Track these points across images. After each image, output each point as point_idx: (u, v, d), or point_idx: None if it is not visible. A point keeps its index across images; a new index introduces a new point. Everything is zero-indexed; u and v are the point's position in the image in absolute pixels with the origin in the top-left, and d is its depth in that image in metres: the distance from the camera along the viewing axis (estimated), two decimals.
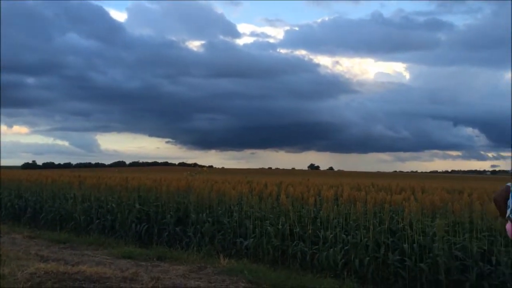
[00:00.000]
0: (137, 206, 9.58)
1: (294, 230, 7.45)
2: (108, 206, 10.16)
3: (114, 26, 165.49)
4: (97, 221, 10.05)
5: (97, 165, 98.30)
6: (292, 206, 8.19)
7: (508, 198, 2.92)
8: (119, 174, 15.13)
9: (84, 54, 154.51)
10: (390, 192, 10.24)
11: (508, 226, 2.91)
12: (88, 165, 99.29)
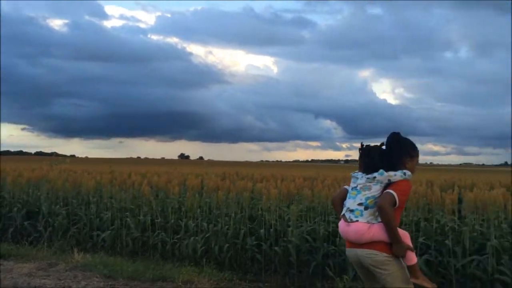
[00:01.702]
0: None
1: (156, 221, 7.30)
2: None
3: None
4: None
5: None
6: (156, 196, 8.03)
7: (345, 199, 3.20)
8: None
9: None
10: (253, 181, 10.64)
11: (340, 223, 3.17)
12: None
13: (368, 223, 2.97)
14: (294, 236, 5.98)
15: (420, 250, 5.61)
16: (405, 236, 3.04)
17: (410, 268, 3.03)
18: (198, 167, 24.38)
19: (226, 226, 6.63)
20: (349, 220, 3.03)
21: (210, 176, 10.52)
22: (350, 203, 3.09)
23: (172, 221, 7.12)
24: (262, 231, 6.37)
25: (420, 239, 5.63)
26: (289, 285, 5.82)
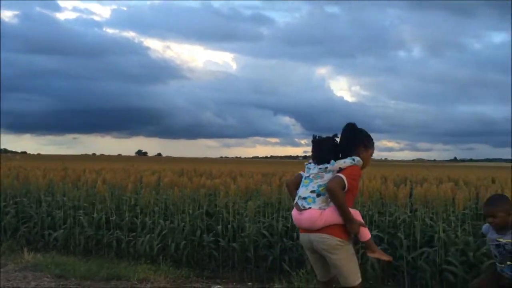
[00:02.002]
0: None
1: (111, 218, 7.14)
2: None
3: None
4: None
5: None
6: (110, 194, 7.85)
7: (299, 184, 3.24)
8: None
9: None
10: (211, 177, 10.59)
11: (293, 212, 3.21)
12: None
13: (320, 209, 3.03)
14: (251, 232, 5.99)
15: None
16: (356, 214, 3.11)
17: (366, 244, 3.14)
18: (155, 164, 24.01)
19: (183, 223, 6.57)
20: (301, 208, 3.08)
21: (167, 173, 10.39)
22: (302, 191, 3.14)
23: (128, 218, 6.98)
24: (219, 227, 6.36)
25: (374, 232, 5.78)
26: (247, 281, 5.84)
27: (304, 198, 3.10)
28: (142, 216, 6.93)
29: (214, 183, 7.72)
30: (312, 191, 3.08)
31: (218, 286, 5.33)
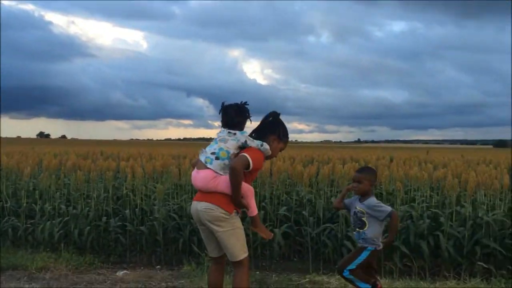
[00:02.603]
0: None
1: (5, 205, 6.61)
2: None
3: None
4: None
5: None
6: (6, 179, 7.26)
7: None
8: None
9: None
10: (118, 160, 10.20)
11: (193, 171, 3.19)
12: None
13: (216, 172, 3.03)
14: (161, 215, 5.88)
15: (280, 222, 5.96)
16: (249, 190, 3.14)
17: (252, 219, 3.19)
18: (59, 147, 22.59)
19: (87, 208, 6.26)
20: (203, 163, 3.07)
21: (70, 156, 9.82)
22: (206, 151, 3.14)
23: (25, 204, 6.51)
24: (127, 211, 6.15)
25: (281, 211, 5.96)
26: (155, 264, 5.74)
27: (205, 156, 3.10)
28: (42, 202, 6.50)
29: (121, 166, 7.44)
30: (213, 153, 3.08)
31: (125, 271, 5.17)
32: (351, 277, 3.50)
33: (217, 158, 3.05)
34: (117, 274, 5.08)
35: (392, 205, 5.79)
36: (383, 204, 3.50)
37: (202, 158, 3.11)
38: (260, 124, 3.30)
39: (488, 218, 5.26)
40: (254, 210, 3.16)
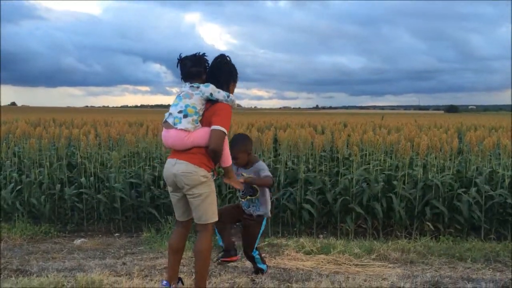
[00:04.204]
0: None
1: None
2: None
3: None
4: None
5: None
6: None
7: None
8: None
9: None
10: (72, 127, 9.90)
11: (163, 132, 3.08)
12: None
13: (187, 130, 2.95)
14: (118, 182, 5.79)
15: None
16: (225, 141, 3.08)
17: (225, 169, 3.14)
18: (8, 114, 21.62)
19: (41, 176, 6.08)
20: (172, 125, 2.98)
21: (20, 123, 9.42)
22: (172, 109, 3.04)
23: None
24: (82, 179, 6.02)
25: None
26: (114, 232, 5.70)
27: (173, 117, 3.00)
28: None
29: (74, 133, 7.22)
30: (180, 111, 2.98)
31: (82, 239, 5.10)
32: (257, 255, 3.54)
33: (185, 116, 2.96)
34: (74, 242, 5.01)
35: (347, 169, 5.97)
36: (267, 168, 3.43)
37: (170, 120, 2.99)
38: (214, 71, 3.14)
39: (437, 181, 5.51)
40: (228, 161, 3.11)
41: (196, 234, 3.13)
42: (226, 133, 2.96)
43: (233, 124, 8.48)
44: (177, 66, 3.13)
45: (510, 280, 3.59)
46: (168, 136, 3.01)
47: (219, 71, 3.14)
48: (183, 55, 3.12)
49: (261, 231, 3.52)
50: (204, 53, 3.14)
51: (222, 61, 3.17)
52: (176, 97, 3.10)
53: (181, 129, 2.95)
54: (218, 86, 3.08)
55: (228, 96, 3.06)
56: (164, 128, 3.08)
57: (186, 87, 3.06)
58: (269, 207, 3.52)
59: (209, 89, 3.02)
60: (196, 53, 3.12)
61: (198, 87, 3.03)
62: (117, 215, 5.84)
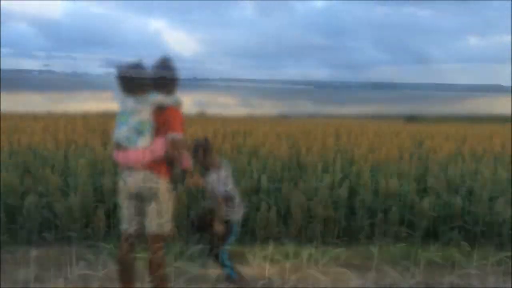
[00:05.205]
0: None
1: None
2: None
3: None
4: None
5: None
6: None
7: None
8: None
9: None
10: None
11: (116, 153, 2.97)
12: None
13: (145, 147, 2.86)
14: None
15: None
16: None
17: (187, 171, 3.16)
18: None
19: None
20: (127, 145, 2.88)
21: None
22: (122, 128, 2.91)
23: None
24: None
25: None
26: None
27: (127, 138, 2.89)
28: None
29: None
30: (132, 130, 2.87)
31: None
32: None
33: (139, 133, 2.87)
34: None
35: (311, 176, 6.01)
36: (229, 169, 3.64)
37: (123, 140, 2.90)
38: (157, 75, 3.04)
39: (398, 187, 5.65)
40: (187, 163, 3.11)
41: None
42: (183, 138, 2.94)
43: (199, 131, 8.40)
44: (121, 78, 2.96)
45: None
46: (126, 157, 2.90)
47: (162, 75, 3.06)
48: (120, 64, 2.95)
49: None
50: (140, 59, 3.02)
51: (169, 64, 3.10)
52: (119, 113, 2.97)
53: (139, 149, 2.87)
54: (162, 90, 2.99)
55: (176, 100, 3.01)
56: (116, 150, 2.96)
57: (130, 101, 2.93)
58: None
59: (157, 99, 2.93)
60: (136, 62, 2.98)
61: (145, 100, 2.92)
62: None
